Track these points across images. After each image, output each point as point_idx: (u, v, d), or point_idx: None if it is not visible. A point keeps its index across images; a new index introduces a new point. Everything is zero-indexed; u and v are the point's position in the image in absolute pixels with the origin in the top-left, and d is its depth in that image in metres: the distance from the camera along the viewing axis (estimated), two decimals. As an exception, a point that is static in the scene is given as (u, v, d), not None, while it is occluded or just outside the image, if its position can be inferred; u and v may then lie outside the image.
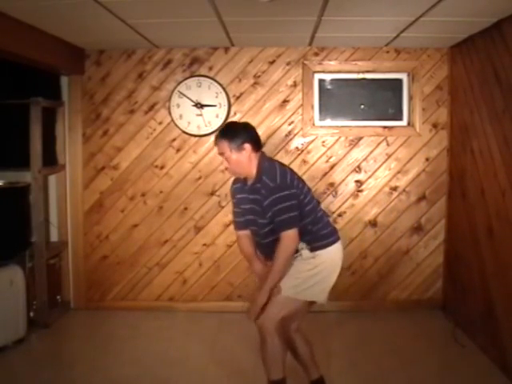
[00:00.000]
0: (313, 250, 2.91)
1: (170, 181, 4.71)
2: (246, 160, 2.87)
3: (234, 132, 2.90)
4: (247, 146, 2.86)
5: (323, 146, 4.66)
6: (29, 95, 4.21)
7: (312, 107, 4.64)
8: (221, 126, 4.61)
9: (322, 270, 2.93)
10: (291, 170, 2.98)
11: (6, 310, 3.84)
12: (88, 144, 4.71)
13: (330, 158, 4.66)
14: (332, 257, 2.98)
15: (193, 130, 4.63)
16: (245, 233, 3.07)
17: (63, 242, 4.76)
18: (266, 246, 2.95)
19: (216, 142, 2.94)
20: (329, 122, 4.71)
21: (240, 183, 3.03)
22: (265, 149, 4.59)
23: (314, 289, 2.93)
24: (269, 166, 2.90)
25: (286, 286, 2.89)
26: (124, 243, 4.77)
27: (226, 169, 2.98)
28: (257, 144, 2.92)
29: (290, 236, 2.78)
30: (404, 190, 4.67)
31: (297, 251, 2.90)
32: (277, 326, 2.89)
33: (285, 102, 4.63)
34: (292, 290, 2.89)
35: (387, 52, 4.57)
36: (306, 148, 4.65)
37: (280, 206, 2.76)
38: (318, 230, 2.95)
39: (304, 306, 3.00)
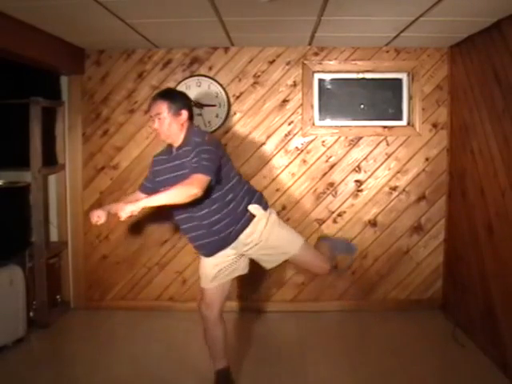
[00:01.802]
0: (265, 208, 3.07)
1: (169, 181, 4.70)
2: (178, 125, 2.93)
3: (175, 96, 2.97)
4: (184, 113, 2.93)
5: (323, 145, 4.66)
6: (29, 95, 4.21)
7: (312, 107, 4.64)
8: (220, 125, 4.62)
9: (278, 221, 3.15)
10: (218, 141, 3.11)
11: (5, 309, 3.84)
12: (88, 144, 4.71)
13: (330, 157, 4.66)
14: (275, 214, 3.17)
15: (193, 129, 4.63)
16: (142, 196, 3.07)
17: (63, 241, 4.76)
18: (191, 220, 2.96)
19: (153, 102, 2.94)
20: (328, 121, 4.70)
21: (164, 155, 3.06)
22: (265, 148, 4.66)
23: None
24: (198, 130, 3.04)
25: (292, 244, 3.10)
26: (124, 243, 4.77)
27: (155, 130, 2.97)
28: (191, 113, 3.01)
29: (195, 178, 2.67)
30: (404, 190, 4.67)
31: (251, 215, 2.98)
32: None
33: (284, 101, 4.63)
34: (296, 241, 3.12)
35: (387, 52, 4.57)
36: (306, 148, 4.65)
37: (200, 156, 2.75)
38: (257, 193, 3.12)
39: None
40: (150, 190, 3.09)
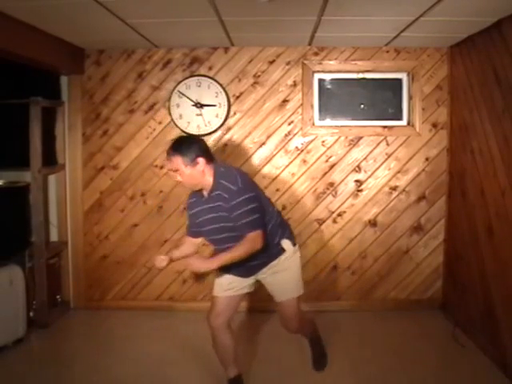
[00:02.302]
0: (294, 244, 3.12)
1: (169, 180, 4.69)
2: (199, 174, 2.87)
3: (187, 147, 2.86)
4: (201, 160, 2.85)
5: (323, 145, 4.66)
6: (29, 95, 4.22)
7: (312, 107, 4.64)
8: (220, 125, 4.62)
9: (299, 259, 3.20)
10: (248, 176, 3.06)
11: (5, 309, 3.84)
12: (88, 144, 4.71)
13: (330, 157, 4.66)
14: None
15: (192, 129, 4.63)
16: (193, 240, 3.16)
17: (63, 241, 4.76)
18: (227, 248, 2.92)
19: (168, 158, 2.90)
20: (328, 121, 4.71)
21: (195, 197, 3.05)
22: (265, 148, 4.66)
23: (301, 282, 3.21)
24: (225, 170, 2.95)
25: (296, 288, 3.13)
26: (124, 243, 4.77)
27: (180, 182, 2.94)
28: (209, 156, 2.92)
29: (254, 237, 2.78)
30: (404, 190, 4.67)
31: (282, 250, 3.04)
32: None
33: (284, 101, 4.62)
34: (299, 289, 3.16)
35: (387, 52, 4.57)
36: (306, 148, 4.65)
37: (243, 209, 2.78)
38: (286, 223, 3.21)
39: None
40: (197, 232, 3.11)
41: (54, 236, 4.78)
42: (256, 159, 4.67)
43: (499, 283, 3.55)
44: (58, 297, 4.68)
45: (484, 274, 3.80)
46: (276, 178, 4.67)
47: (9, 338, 3.87)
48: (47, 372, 3.56)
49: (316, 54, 4.60)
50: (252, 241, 2.77)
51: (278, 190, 4.65)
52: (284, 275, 3.08)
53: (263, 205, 2.94)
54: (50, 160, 4.55)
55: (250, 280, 3.14)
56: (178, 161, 2.84)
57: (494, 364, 3.56)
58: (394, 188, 4.67)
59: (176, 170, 2.87)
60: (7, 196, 4.14)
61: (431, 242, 4.69)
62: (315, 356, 3.52)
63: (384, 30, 3.95)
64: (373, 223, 4.69)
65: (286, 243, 3.06)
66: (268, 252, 2.97)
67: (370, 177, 4.67)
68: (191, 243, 3.17)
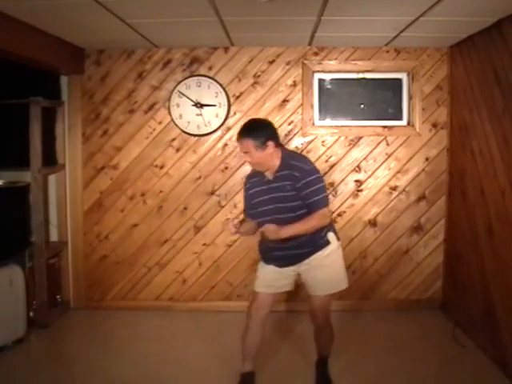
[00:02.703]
0: (338, 239, 3.17)
1: (169, 180, 4.71)
2: (268, 156, 3.00)
3: (258, 131, 3.01)
4: (270, 144, 2.99)
5: (323, 145, 4.66)
6: (28, 95, 4.21)
7: (312, 107, 4.64)
8: (221, 125, 4.62)
9: (342, 254, 3.24)
10: None
11: (5, 309, 3.84)
12: (88, 144, 4.71)
13: (330, 157, 4.66)
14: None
15: (192, 129, 4.63)
16: (252, 222, 3.21)
17: (63, 241, 4.76)
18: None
19: (239, 141, 3.03)
20: (328, 121, 4.71)
21: (257, 177, 3.14)
22: (265, 148, 4.64)
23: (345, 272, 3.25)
24: (293, 153, 3.19)
25: (336, 284, 3.15)
26: (124, 243, 4.77)
27: (250, 164, 3.09)
28: (277, 139, 3.07)
29: (323, 214, 2.94)
30: (404, 190, 4.67)
31: (327, 242, 3.07)
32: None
33: (284, 101, 4.62)
34: (340, 284, 3.18)
35: (387, 52, 4.57)
36: (306, 148, 4.65)
37: (314, 187, 2.93)
38: (332, 222, 3.25)
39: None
40: (255, 215, 3.17)
41: (54, 236, 4.78)
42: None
43: (499, 283, 3.55)
44: (57, 297, 4.68)
45: (484, 274, 3.80)
46: (276, 177, 4.66)
47: (9, 337, 3.87)
48: (47, 372, 3.56)
49: (316, 54, 4.60)
50: (322, 217, 2.93)
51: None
52: (327, 270, 3.10)
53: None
54: (50, 160, 4.55)
55: (291, 273, 3.15)
56: (249, 144, 2.97)
57: (494, 364, 3.56)
58: (394, 188, 4.67)
59: (246, 152, 3.00)
60: (7, 196, 4.14)
61: (431, 242, 4.69)
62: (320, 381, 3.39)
63: (384, 30, 3.95)
64: (373, 223, 4.69)
65: (331, 236, 3.10)
66: (314, 242, 3.04)
67: (370, 177, 4.67)
68: (252, 223, 3.23)
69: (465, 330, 4.09)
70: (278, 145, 3.06)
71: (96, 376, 3.51)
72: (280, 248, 3.04)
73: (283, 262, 3.11)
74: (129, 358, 3.80)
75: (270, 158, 3.00)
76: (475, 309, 3.95)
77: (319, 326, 3.25)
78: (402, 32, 3.93)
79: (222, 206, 4.70)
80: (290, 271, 3.14)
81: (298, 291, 3.49)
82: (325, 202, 2.97)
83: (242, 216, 3.53)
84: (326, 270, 3.09)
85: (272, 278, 3.16)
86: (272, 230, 2.91)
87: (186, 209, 4.72)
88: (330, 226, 3.15)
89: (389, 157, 4.65)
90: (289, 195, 2.96)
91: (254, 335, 3.19)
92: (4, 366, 3.61)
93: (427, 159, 4.63)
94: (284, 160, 3.01)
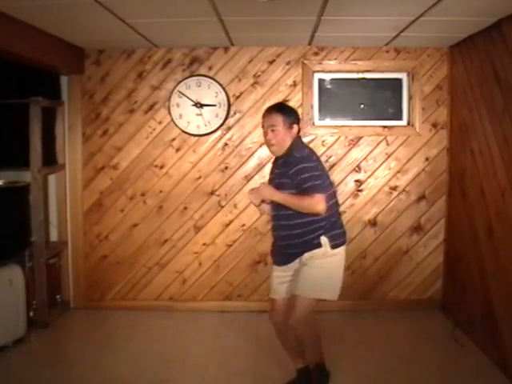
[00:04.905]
0: (333, 247, 3.03)
1: (169, 180, 4.71)
2: (289, 138, 3.04)
3: (290, 111, 3.12)
4: (295, 127, 3.07)
5: (323, 145, 4.66)
6: (28, 95, 4.21)
7: (312, 107, 4.64)
8: (221, 125, 4.62)
9: (339, 266, 3.14)
10: (319, 158, 3.18)
11: (5, 309, 3.84)
12: (88, 144, 4.71)
13: (330, 157, 4.66)
14: (343, 256, 3.15)
15: (192, 129, 4.63)
16: None
17: (63, 241, 4.76)
18: (283, 218, 3.04)
19: (269, 115, 3.06)
20: (328, 121, 4.71)
21: (275, 162, 3.18)
22: (265, 148, 4.64)
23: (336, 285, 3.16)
24: (301, 144, 3.13)
25: (317, 290, 3.05)
26: (124, 243, 4.77)
27: (269, 141, 3.05)
28: (300, 128, 3.15)
29: (316, 200, 2.84)
30: (404, 190, 4.67)
31: (318, 245, 3.00)
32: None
33: (284, 101, 4.61)
34: (321, 292, 3.09)
35: (387, 52, 4.57)
36: (306, 148, 4.65)
37: (306, 175, 2.89)
38: (339, 225, 3.14)
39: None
40: None
41: (53, 236, 4.78)
42: (256, 159, 4.66)
43: (499, 283, 3.56)
44: (57, 297, 4.68)
45: (484, 274, 3.80)
46: (276, 177, 4.67)
47: (9, 337, 3.87)
48: (47, 372, 3.56)
49: (316, 53, 4.60)
50: (314, 202, 2.84)
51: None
52: (312, 271, 3.01)
53: (325, 186, 3.00)
54: (50, 160, 4.55)
55: (291, 278, 3.13)
56: (279, 119, 3.01)
57: (494, 364, 3.56)
58: (394, 188, 4.67)
59: (272, 126, 3.01)
60: (7, 196, 4.13)
61: (431, 242, 4.69)
62: None
63: (384, 30, 3.95)
64: (373, 223, 4.69)
65: (324, 240, 3.00)
66: (307, 240, 3.00)
67: (369, 177, 4.67)
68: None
69: (465, 330, 4.09)
70: (298, 133, 3.12)
71: (96, 376, 3.51)
72: (276, 237, 3.14)
73: (278, 260, 3.17)
74: (129, 357, 3.80)
75: (288, 141, 3.03)
76: (475, 309, 3.95)
77: (287, 324, 3.05)
78: (402, 32, 3.93)
79: (222, 206, 4.70)
80: (288, 276, 3.13)
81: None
82: (317, 190, 2.87)
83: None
84: (311, 271, 3.01)
85: (276, 282, 3.18)
86: (264, 190, 2.99)
87: (185, 209, 4.72)
88: (330, 232, 3.02)
89: (389, 157, 4.65)
90: (284, 182, 2.98)
91: (282, 339, 3.22)
92: (4, 366, 3.61)
93: (427, 159, 4.63)
94: (290, 147, 3.04)
